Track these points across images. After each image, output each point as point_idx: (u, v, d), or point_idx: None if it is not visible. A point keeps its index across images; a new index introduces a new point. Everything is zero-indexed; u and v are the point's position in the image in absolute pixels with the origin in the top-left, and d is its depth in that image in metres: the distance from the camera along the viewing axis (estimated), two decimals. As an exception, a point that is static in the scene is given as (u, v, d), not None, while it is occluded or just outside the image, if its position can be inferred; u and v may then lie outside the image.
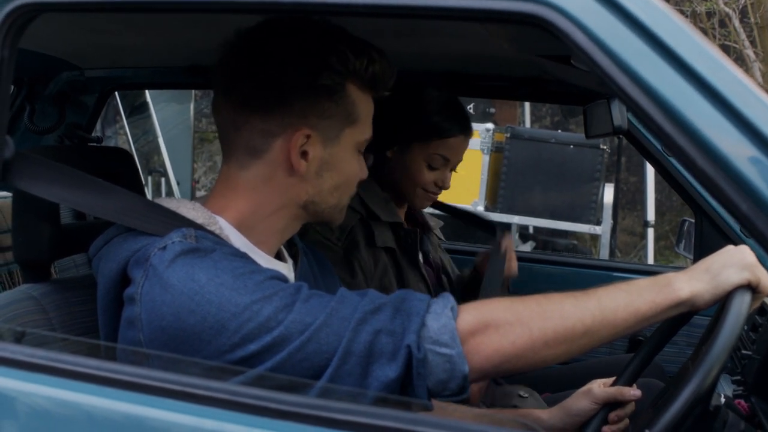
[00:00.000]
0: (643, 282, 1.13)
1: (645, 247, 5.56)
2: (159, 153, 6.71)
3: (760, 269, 1.12)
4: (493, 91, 2.30)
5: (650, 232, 5.40)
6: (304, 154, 1.28)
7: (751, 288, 1.11)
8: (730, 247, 1.17)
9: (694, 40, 0.97)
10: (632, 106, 0.96)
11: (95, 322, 1.41)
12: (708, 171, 0.95)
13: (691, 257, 2.25)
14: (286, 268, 1.37)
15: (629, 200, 7.65)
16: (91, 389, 1.02)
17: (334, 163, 1.30)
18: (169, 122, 6.86)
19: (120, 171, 1.56)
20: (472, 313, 1.11)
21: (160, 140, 6.59)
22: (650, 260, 5.30)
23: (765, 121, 0.93)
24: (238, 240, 1.28)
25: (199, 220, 1.25)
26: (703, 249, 2.15)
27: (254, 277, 1.14)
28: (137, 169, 1.62)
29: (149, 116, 6.58)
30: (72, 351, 1.24)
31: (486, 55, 1.78)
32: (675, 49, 0.96)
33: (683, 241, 2.38)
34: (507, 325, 1.10)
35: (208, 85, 2.26)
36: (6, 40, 1.15)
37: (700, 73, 0.96)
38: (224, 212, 1.30)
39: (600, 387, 1.49)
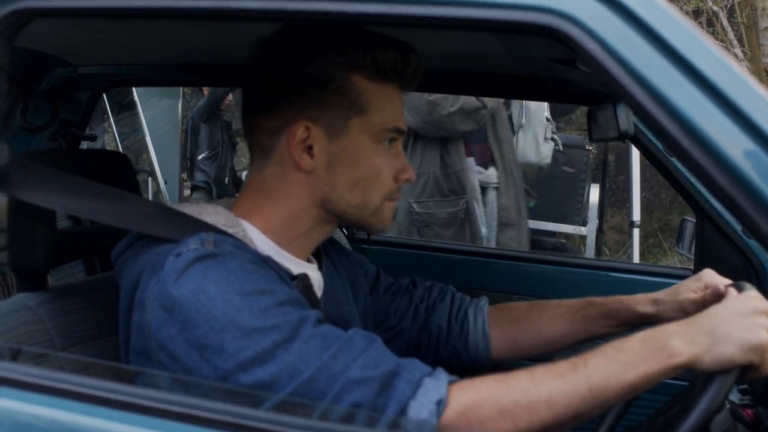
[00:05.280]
0: (635, 346, 1.07)
1: (631, 247, 5.55)
2: (146, 151, 6.65)
3: None
4: (490, 89, 2.27)
5: (636, 232, 5.38)
6: (309, 149, 1.26)
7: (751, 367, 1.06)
8: (737, 305, 1.11)
9: (707, 48, 0.96)
10: (647, 117, 0.94)
11: (93, 330, 1.39)
12: (719, 181, 0.93)
13: (692, 257, 2.25)
14: (313, 269, 1.35)
15: (618, 198, 7.65)
16: (91, 410, 1.00)
17: (346, 157, 1.27)
18: (156, 120, 6.80)
19: (116, 174, 1.53)
20: (457, 407, 1.06)
21: (148, 138, 6.52)
22: (636, 260, 5.28)
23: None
24: (263, 243, 1.26)
25: (221, 224, 1.23)
26: (703, 250, 2.15)
27: (263, 300, 1.11)
28: (134, 173, 1.60)
29: (136, 114, 6.51)
30: (72, 368, 1.21)
31: (483, 53, 1.76)
32: (689, 59, 0.94)
33: (684, 241, 2.38)
34: (491, 421, 1.06)
35: (201, 83, 2.23)
36: (1, 45, 1.12)
37: (713, 82, 0.94)
38: (251, 216, 1.29)
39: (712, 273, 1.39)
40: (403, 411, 1.05)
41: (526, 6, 0.95)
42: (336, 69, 1.26)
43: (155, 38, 1.79)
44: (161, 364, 1.13)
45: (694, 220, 2.28)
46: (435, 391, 1.07)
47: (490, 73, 1.96)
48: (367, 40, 1.28)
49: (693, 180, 2.06)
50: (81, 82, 2.22)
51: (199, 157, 6.78)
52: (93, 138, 2.34)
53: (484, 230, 3.42)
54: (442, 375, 1.10)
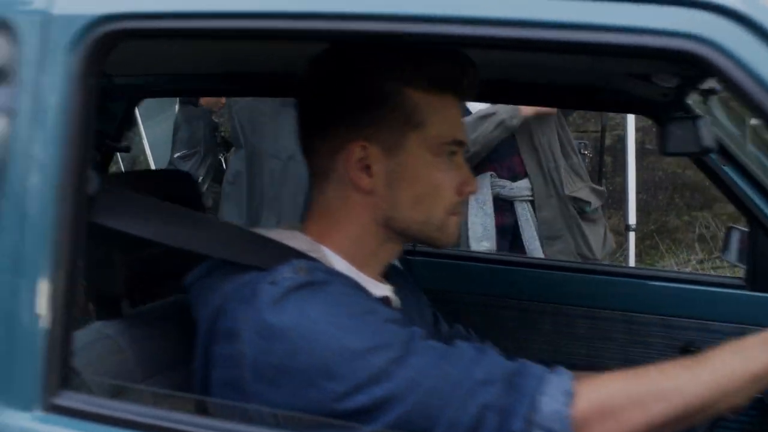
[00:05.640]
0: (753, 342, 1.07)
1: (627, 249, 5.54)
2: (144, 153, 6.59)
3: None
4: (543, 99, 2.24)
5: (631, 236, 5.36)
6: (368, 169, 1.22)
7: None
8: None
9: None
10: None
11: (168, 357, 1.35)
12: None
13: (742, 266, 2.23)
14: (390, 291, 1.31)
15: (615, 200, 7.63)
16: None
17: (405, 173, 1.24)
18: (153, 122, 6.74)
19: (183, 196, 1.49)
20: (587, 399, 1.05)
21: (145, 142, 6.46)
22: (632, 263, 5.25)
23: None
24: (342, 266, 1.23)
25: (303, 249, 1.19)
26: (756, 259, 2.13)
27: (368, 319, 1.09)
28: (200, 194, 1.55)
29: (134, 117, 6.42)
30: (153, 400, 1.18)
31: (540, 63, 1.73)
32: None
33: (732, 250, 2.36)
34: (624, 411, 1.04)
35: (242, 92, 2.19)
36: (93, 68, 1.08)
37: None
38: (323, 239, 1.25)
39: None
40: (533, 406, 1.03)
41: (663, 31, 0.91)
42: (389, 84, 1.23)
43: (197, 47, 1.74)
44: (257, 395, 1.08)
45: (743, 229, 2.27)
46: (560, 384, 1.06)
47: (544, 83, 1.93)
48: (420, 53, 1.24)
49: (746, 189, 2.04)
50: (116, 92, 2.16)
51: (175, 155, 6.70)
52: (128, 149, 2.29)
53: (486, 244, 3.28)
54: (562, 370, 1.09)
